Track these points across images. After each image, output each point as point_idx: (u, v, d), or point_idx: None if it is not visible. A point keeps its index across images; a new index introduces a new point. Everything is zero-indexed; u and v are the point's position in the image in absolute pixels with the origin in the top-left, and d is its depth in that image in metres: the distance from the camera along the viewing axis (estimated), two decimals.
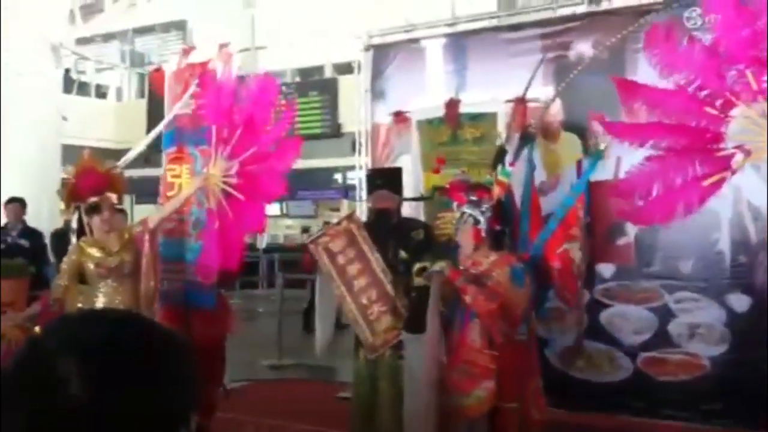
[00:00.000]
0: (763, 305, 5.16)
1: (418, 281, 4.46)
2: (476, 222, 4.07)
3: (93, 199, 4.85)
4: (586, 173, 4.10)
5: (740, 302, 5.26)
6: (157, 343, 1.05)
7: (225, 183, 4.91)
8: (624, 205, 4.20)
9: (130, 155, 5.53)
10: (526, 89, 5.10)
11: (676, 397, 5.40)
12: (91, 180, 4.88)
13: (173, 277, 5.20)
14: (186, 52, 5.41)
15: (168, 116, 5.32)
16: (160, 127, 5.40)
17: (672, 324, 5.45)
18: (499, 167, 4.44)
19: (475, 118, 5.89)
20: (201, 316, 5.11)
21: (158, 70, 5.73)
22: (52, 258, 8.03)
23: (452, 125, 5.95)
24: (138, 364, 1.00)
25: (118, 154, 13.72)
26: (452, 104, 5.95)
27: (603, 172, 5.39)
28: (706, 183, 3.57)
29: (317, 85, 17.78)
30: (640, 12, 5.63)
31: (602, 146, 4.03)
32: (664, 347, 5.46)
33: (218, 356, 5.31)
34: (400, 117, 6.53)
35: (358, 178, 7.52)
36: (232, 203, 4.90)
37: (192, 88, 5.17)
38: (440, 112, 6.02)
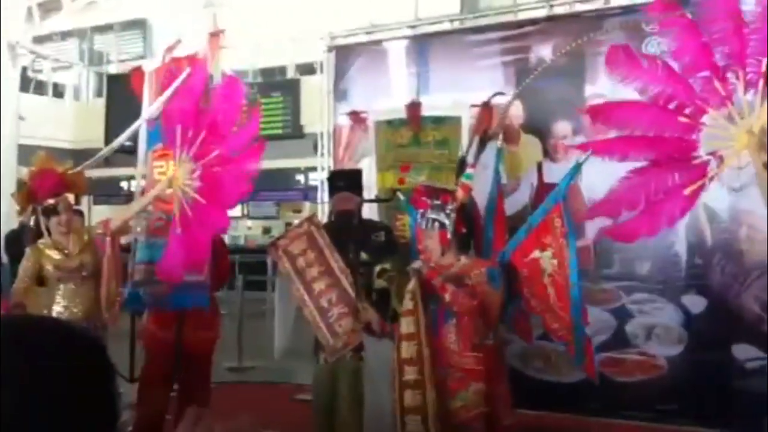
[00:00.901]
0: (718, 306, 5.26)
1: (379, 283, 4.45)
2: (442, 226, 4.05)
3: (50, 201, 4.77)
4: (564, 183, 4.09)
5: (696, 303, 5.35)
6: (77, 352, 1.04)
7: (188, 186, 4.80)
8: (608, 222, 4.19)
9: (104, 153, 5.44)
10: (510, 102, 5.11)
11: (633, 397, 5.47)
12: (48, 181, 4.79)
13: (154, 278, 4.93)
14: (171, 48, 5.25)
15: (149, 113, 5.14)
16: (140, 123, 5.21)
17: (629, 325, 5.53)
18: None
19: (438, 121, 5.90)
20: (195, 317, 4.97)
21: (138, 69, 5.55)
22: (5, 260, 7.88)
23: (414, 127, 5.95)
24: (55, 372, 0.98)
25: (76, 154, 13.54)
26: (414, 106, 5.96)
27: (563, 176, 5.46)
28: (687, 192, 3.61)
29: (279, 86, 17.68)
30: (599, 16, 5.70)
31: (582, 158, 4.03)
32: (622, 348, 5.53)
33: (209, 362, 5.23)
34: (356, 117, 6.53)
35: (320, 179, 7.49)
36: (196, 206, 4.77)
37: (178, 82, 4.97)
38: (400, 114, 6.03)
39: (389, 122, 6.14)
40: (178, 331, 4.92)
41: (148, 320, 5.15)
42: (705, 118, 3.52)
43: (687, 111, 3.57)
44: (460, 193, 4.16)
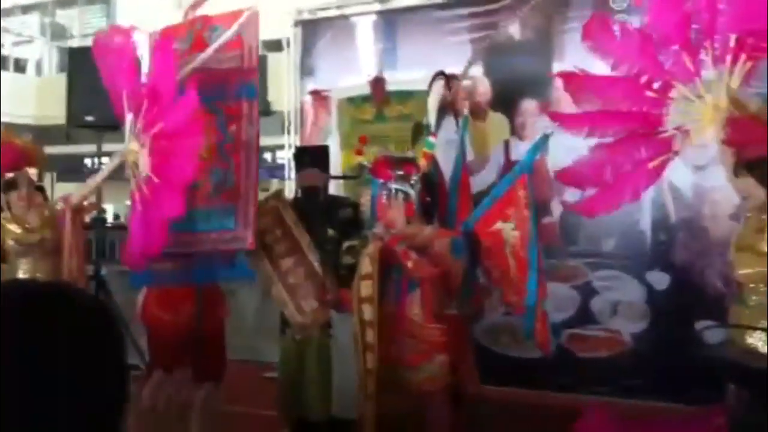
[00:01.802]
0: (682, 283, 5.32)
1: (347, 259, 4.44)
2: (406, 197, 4.02)
3: (10, 175, 4.70)
4: (529, 155, 4.08)
5: (660, 280, 5.41)
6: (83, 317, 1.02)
7: (141, 161, 4.58)
8: (572, 196, 4.19)
9: None
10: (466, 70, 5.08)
11: (598, 373, 5.54)
12: (7, 154, 4.71)
13: (178, 251, 4.47)
14: (196, 5, 4.85)
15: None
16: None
17: (594, 301, 5.58)
18: (421, 140, 4.42)
19: (404, 95, 5.87)
20: (208, 294, 4.65)
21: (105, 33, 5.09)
22: None
23: (378, 103, 5.91)
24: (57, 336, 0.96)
25: (38, 129, 13.28)
26: (377, 82, 5.92)
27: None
28: (651, 165, 3.61)
29: None
30: None
31: (549, 131, 4.02)
32: (587, 324, 5.58)
33: (224, 341, 4.89)
34: (317, 96, 6.48)
35: (287, 157, 7.43)
36: (150, 183, 4.52)
37: (222, 40, 4.50)
38: (363, 90, 5.98)
39: (351, 99, 6.10)
40: (198, 311, 4.56)
41: (149, 300, 4.74)
42: (672, 93, 3.53)
43: (655, 85, 3.57)
44: (422, 162, 4.14)
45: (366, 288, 3.96)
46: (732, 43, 3.35)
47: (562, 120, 3.96)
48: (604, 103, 3.71)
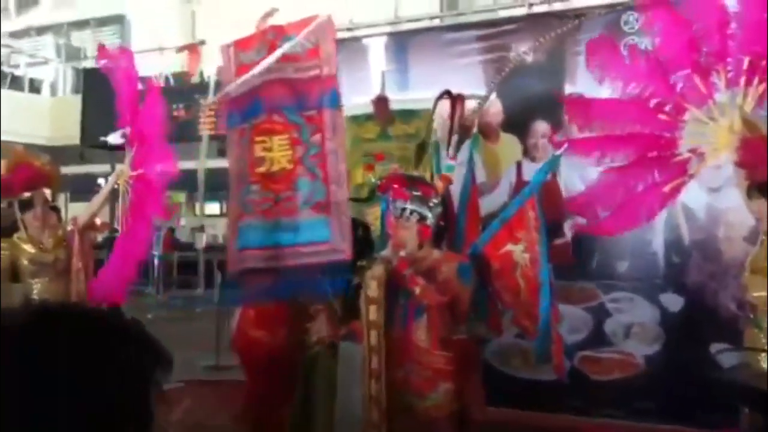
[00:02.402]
0: (695, 305, 5.28)
1: (356, 280, 4.42)
2: (422, 219, 3.93)
3: (26, 195, 4.75)
4: (538, 176, 4.04)
5: (674, 302, 5.37)
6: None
7: (129, 183, 4.80)
8: (586, 218, 4.16)
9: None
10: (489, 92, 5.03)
11: (611, 395, 5.49)
12: (24, 174, 4.76)
13: (264, 265, 4.31)
14: (267, 15, 4.76)
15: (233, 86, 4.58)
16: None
17: (607, 323, 5.54)
18: (438, 161, 4.39)
19: (409, 114, 5.87)
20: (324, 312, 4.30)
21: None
22: None
23: (381, 122, 5.91)
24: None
25: (52, 150, 13.39)
26: (381, 101, 5.93)
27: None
28: (666, 189, 3.59)
29: None
30: (578, 15, 5.70)
31: (558, 152, 3.98)
32: (600, 346, 5.54)
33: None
34: None
35: None
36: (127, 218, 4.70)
37: (284, 49, 4.41)
38: (366, 109, 5.99)
39: (354, 117, 6.11)
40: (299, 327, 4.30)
41: (243, 322, 4.59)
42: (685, 116, 3.51)
43: (667, 108, 3.56)
44: (440, 185, 4.11)
45: (372, 313, 3.92)
46: (745, 66, 3.34)
47: (570, 145, 3.95)
48: (613, 128, 3.70)
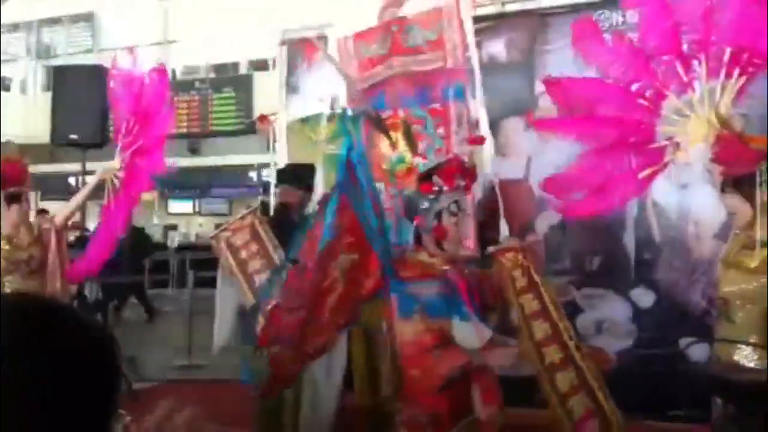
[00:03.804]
0: (666, 301, 5.34)
1: None
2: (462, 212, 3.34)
3: (13, 189, 4.76)
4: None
5: (645, 298, 5.42)
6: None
7: (117, 177, 4.85)
8: (560, 198, 4.03)
9: None
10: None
11: None
12: (16, 170, 4.80)
13: None
14: (388, 6, 4.50)
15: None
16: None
17: (579, 319, 5.57)
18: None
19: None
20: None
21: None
22: None
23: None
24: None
25: (23, 148, 13.21)
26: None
27: (514, 171, 5.49)
28: (641, 175, 3.55)
29: (232, 82, 17.54)
30: (551, 14, 5.74)
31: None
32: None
33: None
34: (263, 120, 6.55)
35: (272, 175, 7.42)
36: (116, 197, 4.77)
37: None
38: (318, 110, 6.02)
39: (304, 120, 6.10)
40: None
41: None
42: (665, 104, 3.48)
43: (647, 93, 3.51)
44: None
45: (529, 303, 3.42)
46: (727, 57, 3.32)
47: (549, 126, 3.90)
48: (593, 109, 3.65)
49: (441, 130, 4.22)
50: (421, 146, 4.17)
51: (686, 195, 5.17)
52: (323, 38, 4.91)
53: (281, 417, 4.60)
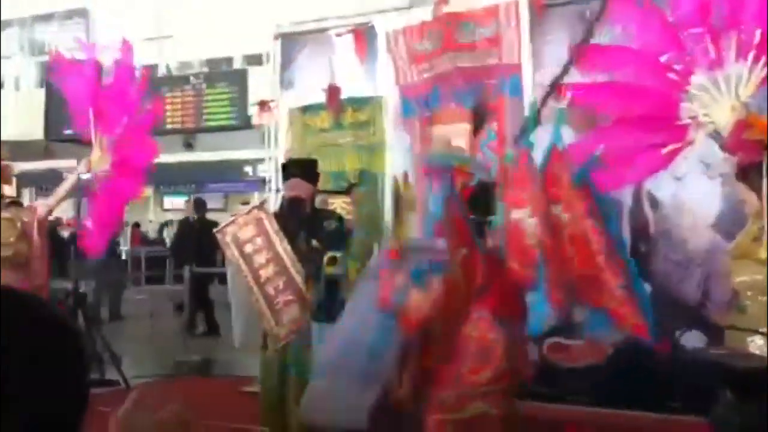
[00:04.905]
0: (662, 293, 5.34)
1: (329, 271, 4.42)
2: None
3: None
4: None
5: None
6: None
7: (105, 163, 4.92)
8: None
9: None
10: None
11: (580, 382, 5.53)
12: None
13: None
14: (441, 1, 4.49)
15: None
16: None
17: (576, 310, 5.57)
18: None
19: (360, 102, 5.86)
20: None
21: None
22: None
23: (333, 111, 5.91)
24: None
25: (15, 144, 13.18)
26: (333, 90, 5.93)
27: None
28: (664, 151, 3.46)
29: (226, 77, 17.47)
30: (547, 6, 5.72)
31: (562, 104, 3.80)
32: (568, 334, 5.58)
33: None
34: (264, 107, 6.54)
35: (268, 170, 7.40)
36: (109, 176, 4.84)
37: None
38: (317, 100, 6.01)
39: (305, 108, 6.10)
40: None
41: None
42: (692, 81, 3.38)
43: (676, 67, 3.42)
44: None
45: None
46: (757, 39, 3.22)
47: (575, 92, 3.78)
48: (622, 75, 3.55)
49: (494, 124, 4.26)
50: (477, 140, 4.18)
51: (681, 186, 5.17)
52: (371, 29, 4.81)
53: (288, 404, 4.55)
